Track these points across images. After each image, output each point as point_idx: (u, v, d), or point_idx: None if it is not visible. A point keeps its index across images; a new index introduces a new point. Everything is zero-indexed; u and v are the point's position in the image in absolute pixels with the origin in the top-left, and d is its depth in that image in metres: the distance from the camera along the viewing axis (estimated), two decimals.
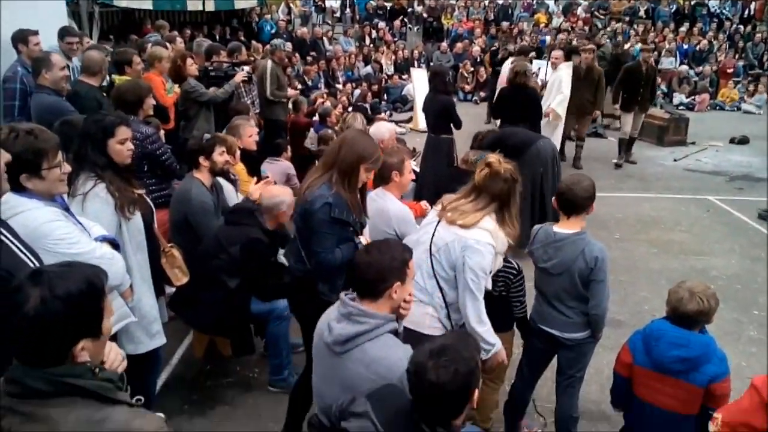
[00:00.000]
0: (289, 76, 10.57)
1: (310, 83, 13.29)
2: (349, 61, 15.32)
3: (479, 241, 2.81)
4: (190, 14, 13.50)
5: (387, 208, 3.55)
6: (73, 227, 2.53)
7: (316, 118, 8.35)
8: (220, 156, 4.18)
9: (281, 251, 4.02)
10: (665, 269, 5.71)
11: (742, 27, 18.00)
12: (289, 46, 11.56)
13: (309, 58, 14.67)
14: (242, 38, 13.24)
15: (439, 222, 2.95)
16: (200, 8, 13.08)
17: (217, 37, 13.13)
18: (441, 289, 2.90)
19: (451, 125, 6.52)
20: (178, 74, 6.01)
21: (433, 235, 2.93)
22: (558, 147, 7.89)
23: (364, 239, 3.09)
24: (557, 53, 8.56)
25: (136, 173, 3.59)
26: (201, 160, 4.13)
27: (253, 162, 5.43)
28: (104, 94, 5.08)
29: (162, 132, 4.83)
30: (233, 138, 4.69)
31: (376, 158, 3.01)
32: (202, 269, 3.72)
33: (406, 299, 2.28)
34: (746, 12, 18.60)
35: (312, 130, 7.89)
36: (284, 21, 16.69)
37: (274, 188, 4.06)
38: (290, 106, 8.28)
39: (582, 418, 3.44)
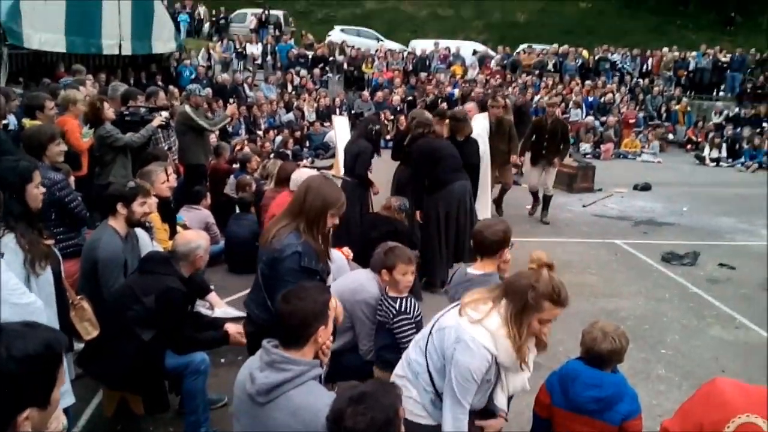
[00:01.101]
0: None
1: (230, 129, 13.18)
2: (271, 107, 15.35)
3: (474, 339, 2.41)
4: (105, 58, 13.19)
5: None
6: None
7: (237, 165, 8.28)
8: (140, 206, 4.02)
9: (199, 302, 3.91)
10: (578, 311, 5.89)
11: (641, 81, 19.42)
12: (206, 91, 11.47)
13: (230, 103, 14.61)
14: (160, 83, 13.02)
15: (458, 304, 2.61)
16: (116, 52, 12.82)
17: (133, 82, 12.86)
18: (430, 372, 2.58)
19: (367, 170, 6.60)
20: (95, 118, 5.83)
21: (445, 313, 2.65)
22: (488, 197, 8.09)
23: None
24: (469, 106, 8.61)
25: (44, 221, 3.42)
26: (119, 207, 3.97)
27: (167, 209, 5.28)
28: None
29: (72, 178, 4.63)
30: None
31: (341, 204, 3.04)
32: (113, 321, 3.54)
33: (327, 343, 2.28)
34: (645, 67, 20.12)
35: (232, 176, 7.80)
36: (204, 67, 16.60)
37: (189, 233, 3.96)
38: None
39: None
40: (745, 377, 4.73)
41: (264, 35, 20.69)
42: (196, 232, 4.12)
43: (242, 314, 4.82)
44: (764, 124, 16.30)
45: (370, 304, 3.62)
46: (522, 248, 7.33)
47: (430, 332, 2.61)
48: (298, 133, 14.53)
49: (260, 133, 13.97)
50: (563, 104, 17.28)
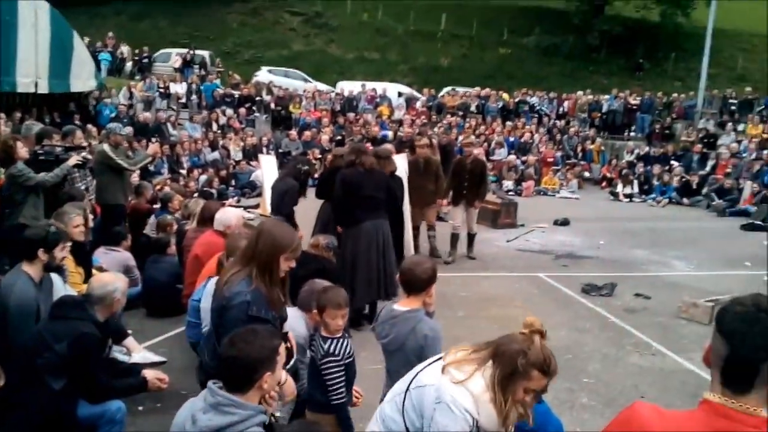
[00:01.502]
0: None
1: (152, 168, 12.85)
2: (195, 146, 15.10)
3: (456, 401, 2.24)
4: (20, 96, 12.67)
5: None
6: None
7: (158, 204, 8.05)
8: (60, 251, 3.86)
9: (115, 347, 3.73)
10: None
11: (558, 122, 20.36)
12: (127, 130, 11.18)
13: (152, 142, 14.28)
14: (78, 122, 12.60)
15: (439, 359, 2.45)
16: (32, 90, 12.34)
17: (49, 121, 12.40)
18: (407, 430, 2.41)
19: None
20: (7, 157, 5.57)
21: (423, 368, 2.49)
22: (410, 236, 8.12)
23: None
24: (388, 147, 8.54)
25: None
26: (40, 253, 3.78)
27: (82, 251, 5.06)
28: None
29: None
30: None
31: (295, 247, 2.93)
32: (22, 370, 3.32)
33: (272, 393, 2.22)
34: (561, 109, 21.14)
35: (153, 216, 7.57)
36: (125, 105, 16.21)
37: (105, 276, 3.81)
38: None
39: None
40: (663, 402, 4.91)
41: (189, 75, 20.48)
42: (112, 275, 3.97)
43: (161, 359, 4.65)
44: (672, 162, 17.31)
45: (298, 344, 3.56)
46: (449, 284, 7.50)
47: (408, 389, 2.44)
48: (223, 172, 14.32)
49: (183, 172, 13.68)
50: (486, 144, 17.92)
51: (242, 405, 2.10)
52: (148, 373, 3.65)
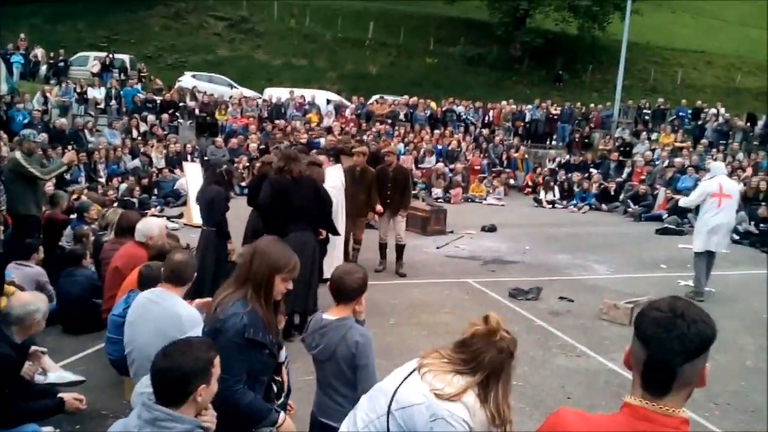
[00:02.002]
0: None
1: (69, 177, 12.27)
2: (115, 154, 14.52)
3: (453, 414, 2.20)
4: None
5: (177, 312, 3.30)
6: None
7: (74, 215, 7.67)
8: None
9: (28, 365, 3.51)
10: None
11: (484, 131, 20.84)
12: (42, 136, 10.62)
13: (68, 149, 13.65)
14: None
15: (412, 373, 2.37)
16: None
17: None
18: None
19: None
20: None
21: (399, 387, 2.36)
22: (341, 250, 7.92)
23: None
24: (321, 157, 7.97)
25: None
26: None
27: None
28: None
29: None
30: None
31: (292, 266, 2.80)
32: None
33: (210, 413, 2.13)
34: (486, 118, 21.66)
35: (69, 227, 7.21)
36: (39, 111, 15.43)
37: (26, 295, 3.59)
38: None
39: None
40: (588, 401, 5.08)
41: (108, 79, 19.71)
42: (33, 294, 3.76)
43: (80, 378, 4.41)
44: (591, 170, 18.06)
45: None
46: (380, 291, 7.51)
47: (389, 411, 2.31)
48: (145, 181, 13.83)
49: (102, 180, 13.11)
50: (415, 151, 18.13)
51: (180, 419, 2.02)
52: (66, 394, 3.46)
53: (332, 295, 3.19)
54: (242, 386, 2.67)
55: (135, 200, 12.28)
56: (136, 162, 14.77)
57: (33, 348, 3.81)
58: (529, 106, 22.11)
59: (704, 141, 18.28)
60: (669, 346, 1.47)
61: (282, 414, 2.94)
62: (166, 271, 3.65)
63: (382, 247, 8.87)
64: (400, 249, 8.82)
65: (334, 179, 7.53)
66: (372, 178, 8.37)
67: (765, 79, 33.63)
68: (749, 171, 15.58)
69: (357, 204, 8.20)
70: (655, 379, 1.52)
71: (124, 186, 12.94)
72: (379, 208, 8.39)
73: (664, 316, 1.49)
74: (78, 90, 17.86)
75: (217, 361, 2.21)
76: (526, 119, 21.51)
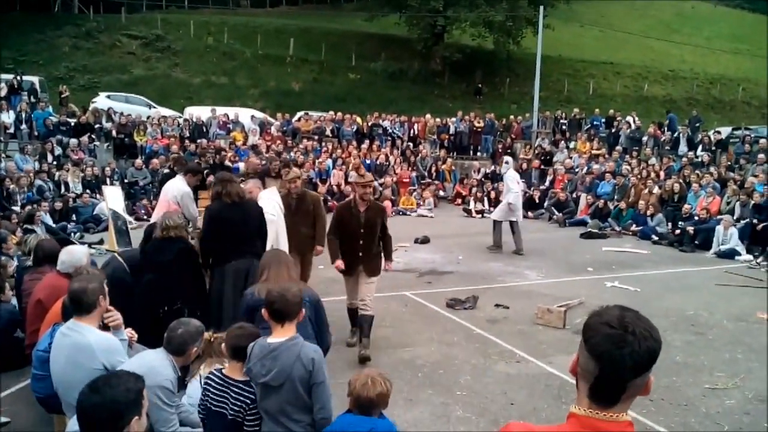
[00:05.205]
0: None
1: None
2: (28, 180, 13.73)
3: None
4: None
5: (88, 341, 3.10)
6: None
7: None
8: None
9: None
10: (377, 365, 5.96)
11: (411, 144, 21.06)
12: None
13: None
14: None
15: None
16: None
17: None
18: None
19: None
20: None
21: None
22: None
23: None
24: (250, 185, 6.54)
25: None
26: None
27: None
28: None
29: None
30: None
31: None
32: None
33: None
34: (412, 132, 21.91)
35: None
36: None
37: None
38: None
39: None
40: (531, 405, 5.15)
41: (17, 102, 18.68)
42: None
43: (5, 419, 4.08)
44: None
45: (165, 388, 3.27)
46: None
47: None
48: (59, 205, 13.07)
49: (16, 208, 12.35)
50: (344, 167, 18.08)
51: None
52: None
53: (273, 318, 3.09)
54: None
55: (36, 228, 11.06)
56: (38, 182, 13.82)
57: None
58: (453, 119, 22.54)
59: (618, 148, 19.14)
60: (621, 363, 1.49)
61: None
62: (66, 303, 3.49)
63: (353, 313, 6.68)
64: (366, 321, 6.23)
65: (271, 205, 6.33)
66: (314, 205, 7.00)
67: (670, 88, 35.78)
68: (662, 175, 16.41)
69: (301, 239, 6.72)
70: (605, 392, 1.54)
71: (41, 213, 12.12)
72: (339, 263, 6.25)
73: (616, 333, 1.50)
74: None
75: (146, 392, 2.12)
76: (451, 131, 21.92)
